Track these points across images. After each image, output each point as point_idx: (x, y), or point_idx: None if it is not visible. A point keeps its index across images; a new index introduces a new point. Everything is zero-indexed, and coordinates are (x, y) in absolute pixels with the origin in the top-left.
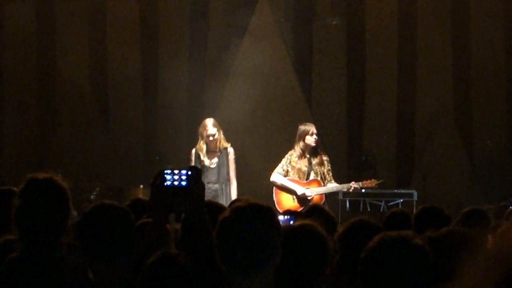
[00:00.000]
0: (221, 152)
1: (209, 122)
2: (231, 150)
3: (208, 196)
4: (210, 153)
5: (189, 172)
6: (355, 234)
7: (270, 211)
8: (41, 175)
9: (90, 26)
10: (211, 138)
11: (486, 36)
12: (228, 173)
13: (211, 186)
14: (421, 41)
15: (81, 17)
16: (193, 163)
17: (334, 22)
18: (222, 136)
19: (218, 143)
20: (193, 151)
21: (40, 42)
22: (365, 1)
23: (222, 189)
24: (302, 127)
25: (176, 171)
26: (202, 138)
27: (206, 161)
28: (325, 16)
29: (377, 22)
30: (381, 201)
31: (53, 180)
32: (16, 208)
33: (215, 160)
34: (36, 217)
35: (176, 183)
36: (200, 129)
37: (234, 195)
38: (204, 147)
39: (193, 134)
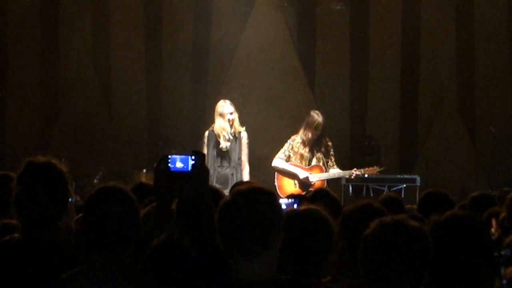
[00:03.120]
0: (234, 136)
1: (227, 102)
2: (244, 134)
3: (220, 178)
4: (229, 136)
5: (193, 157)
6: (359, 218)
7: (271, 194)
8: (39, 159)
9: (93, 12)
10: (231, 117)
11: (490, 21)
12: (239, 158)
13: (224, 169)
14: (425, 26)
15: (84, 3)
16: (205, 147)
17: (338, 7)
18: (237, 119)
19: (234, 124)
20: (206, 133)
21: (44, 29)
22: None
23: (233, 174)
24: (315, 117)
25: (180, 156)
26: (223, 117)
27: (222, 144)
28: (329, 1)
29: (381, 7)
30: (384, 186)
31: (51, 164)
32: (15, 192)
33: (228, 144)
34: (34, 201)
35: (180, 167)
36: (219, 109)
37: (247, 177)
38: (227, 125)
39: (196, 118)
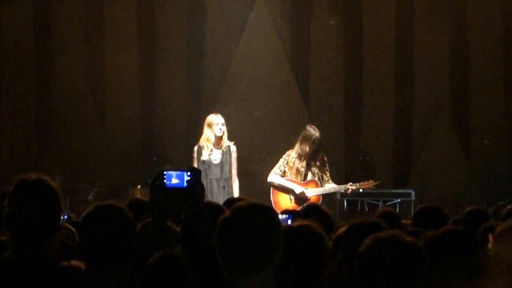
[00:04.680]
0: (225, 149)
1: (218, 114)
2: (234, 148)
3: (212, 192)
4: (214, 149)
5: (189, 173)
6: (358, 234)
7: (271, 211)
8: (31, 176)
9: (87, 26)
10: (221, 128)
11: (483, 35)
12: (230, 171)
13: (214, 183)
14: (418, 41)
15: (78, 17)
16: (195, 161)
17: (332, 22)
18: (226, 133)
19: (223, 137)
20: (195, 148)
21: (37, 42)
22: (362, 1)
23: (224, 187)
24: (311, 131)
25: (176, 172)
26: (210, 128)
27: (212, 156)
28: (323, 16)
29: (375, 22)
30: (379, 201)
31: (43, 181)
32: (7, 210)
33: (219, 156)
34: (26, 219)
35: (176, 184)
36: (208, 120)
37: (236, 193)
38: (213, 137)
39: (191, 134)
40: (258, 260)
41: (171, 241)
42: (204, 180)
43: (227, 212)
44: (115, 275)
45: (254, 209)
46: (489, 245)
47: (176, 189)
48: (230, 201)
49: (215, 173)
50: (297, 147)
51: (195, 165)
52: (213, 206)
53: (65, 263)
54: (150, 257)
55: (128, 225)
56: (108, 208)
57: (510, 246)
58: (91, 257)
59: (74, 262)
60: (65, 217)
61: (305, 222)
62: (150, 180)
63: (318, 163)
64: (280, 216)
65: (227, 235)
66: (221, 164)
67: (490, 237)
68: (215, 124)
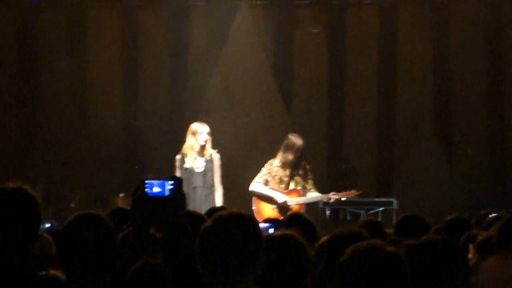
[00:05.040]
0: (208, 157)
1: (203, 123)
2: (217, 156)
3: (195, 200)
4: (197, 157)
5: (171, 182)
6: (340, 243)
7: (252, 220)
8: (10, 185)
9: (70, 34)
10: (205, 137)
11: (466, 44)
12: (213, 179)
13: (197, 191)
14: (401, 50)
15: (61, 27)
16: (178, 170)
17: (315, 30)
18: (210, 142)
19: (207, 146)
20: (177, 157)
21: (20, 52)
22: (345, 10)
23: (208, 195)
24: (294, 139)
25: (157, 181)
26: (194, 136)
27: (195, 164)
28: (306, 25)
29: (358, 31)
30: (361, 210)
31: (22, 190)
32: None
33: (202, 164)
34: (5, 228)
35: (157, 192)
36: (193, 128)
37: (219, 202)
38: (197, 145)
39: (174, 141)
40: (239, 269)
41: (153, 249)
42: (187, 188)
43: (208, 222)
44: (95, 285)
45: (235, 218)
46: (470, 255)
47: (157, 198)
48: (212, 211)
49: (198, 181)
50: (280, 156)
51: (177, 173)
52: (194, 216)
53: (44, 273)
54: (131, 266)
55: (108, 234)
56: (88, 217)
57: (492, 257)
58: (71, 266)
59: (53, 272)
60: (48, 225)
61: (287, 231)
62: (132, 189)
63: (301, 171)
64: (262, 225)
65: (208, 244)
66: (204, 172)
67: (471, 247)
68: (200, 133)
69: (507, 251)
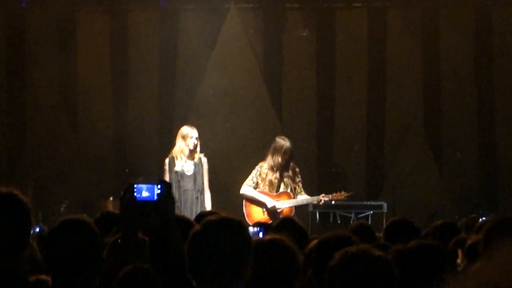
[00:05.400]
0: (197, 161)
1: (193, 127)
2: (205, 160)
3: (186, 203)
4: (187, 160)
5: (160, 186)
6: (329, 248)
7: (241, 225)
8: (1, 190)
9: (60, 37)
10: (194, 141)
11: (456, 48)
12: (203, 183)
13: (187, 194)
14: (391, 53)
15: (51, 29)
16: (167, 173)
17: (304, 34)
18: (199, 146)
19: (196, 150)
20: (167, 160)
21: (9, 54)
22: (335, 13)
23: (198, 198)
24: (281, 142)
25: (146, 185)
26: (184, 140)
27: (185, 167)
28: (295, 28)
29: (347, 34)
30: (351, 213)
31: (13, 195)
32: None
33: (192, 167)
34: None
35: (146, 197)
36: (183, 131)
37: (208, 205)
38: (187, 149)
39: (163, 145)
40: (228, 274)
41: (141, 254)
42: (177, 191)
43: (197, 226)
44: None
45: (224, 223)
46: (458, 260)
47: (146, 202)
48: (201, 215)
49: (189, 184)
50: (269, 159)
51: (167, 177)
52: (183, 220)
53: (34, 278)
54: (119, 271)
55: (93, 239)
56: (73, 223)
57: (479, 262)
58: (56, 271)
59: (42, 277)
60: (38, 229)
61: (276, 236)
62: (122, 192)
63: (290, 173)
64: (251, 229)
65: (197, 249)
66: (194, 175)
67: (460, 252)
68: (190, 137)
69: (494, 255)
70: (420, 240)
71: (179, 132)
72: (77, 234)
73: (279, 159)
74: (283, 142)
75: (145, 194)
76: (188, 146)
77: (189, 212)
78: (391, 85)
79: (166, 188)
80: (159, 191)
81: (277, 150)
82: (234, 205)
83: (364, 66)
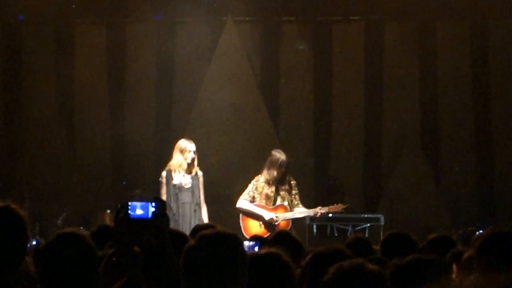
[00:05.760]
0: (194, 175)
1: (190, 140)
2: (201, 173)
3: (185, 216)
4: (185, 174)
5: (154, 204)
6: (323, 262)
7: (236, 239)
8: None
9: (57, 50)
10: (193, 155)
11: (453, 61)
12: (199, 196)
13: (186, 207)
14: (388, 66)
15: (48, 41)
16: (164, 186)
17: (301, 47)
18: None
19: (194, 164)
20: (164, 173)
21: (6, 66)
22: (331, 26)
23: (195, 211)
24: (277, 155)
25: (140, 203)
26: (183, 154)
27: (183, 180)
28: (292, 41)
29: (344, 47)
30: (348, 226)
31: (10, 209)
32: None
33: (189, 181)
34: None
35: (140, 214)
36: (181, 145)
37: (205, 218)
38: (185, 163)
39: (160, 157)
40: None
41: (136, 269)
42: (175, 204)
43: (192, 241)
44: None
45: (219, 238)
46: (453, 275)
47: (140, 220)
48: (197, 229)
49: (187, 197)
50: (264, 172)
51: (164, 189)
52: (178, 235)
53: None
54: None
55: (89, 253)
56: (69, 237)
57: (473, 276)
58: (51, 286)
59: None
60: (34, 242)
61: (272, 250)
62: (119, 205)
63: (286, 186)
64: (247, 243)
65: (192, 264)
66: (192, 188)
67: (454, 266)
68: (188, 151)
69: (487, 270)
70: (417, 254)
71: (177, 146)
72: (72, 248)
73: (274, 173)
74: (279, 155)
75: (139, 211)
76: (186, 160)
77: (188, 225)
78: (388, 97)
79: (161, 205)
80: (153, 209)
81: (272, 164)
82: (231, 218)
83: (361, 79)
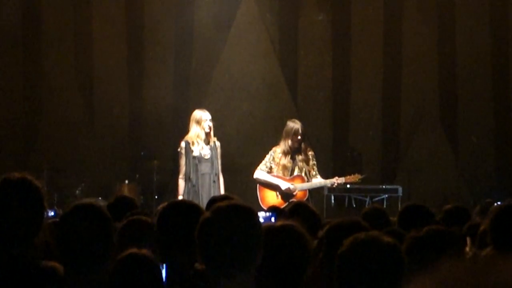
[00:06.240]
0: (212, 145)
1: (204, 110)
2: (218, 144)
3: (204, 186)
4: (203, 145)
5: None
6: (339, 234)
7: (251, 211)
8: (15, 175)
9: (76, 23)
10: (209, 124)
11: (471, 32)
12: (217, 167)
13: (205, 178)
14: (406, 37)
15: (67, 14)
16: (184, 157)
17: (320, 18)
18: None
19: (211, 133)
20: (183, 144)
21: (26, 39)
22: None
23: (215, 182)
24: (290, 124)
25: None
26: (199, 125)
27: (202, 151)
28: (311, 12)
29: (363, 18)
30: (366, 197)
31: (27, 180)
32: None
33: (208, 151)
34: (8, 218)
35: None
36: (196, 116)
37: (222, 189)
38: (203, 133)
39: (178, 128)
40: (238, 261)
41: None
42: (194, 175)
43: (207, 213)
44: (93, 275)
45: (233, 209)
46: (467, 249)
47: None
48: (213, 201)
49: (206, 168)
50: (281, 144)
51: (183, 161)
52: (193, 207)
53: (48, 263)
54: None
55: (105, 225)
56: (85, 208)
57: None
58: (67, 256)
59: (52, 263)
60: (53, 213)
61: (288, 222)
62: (137, 175)
63: (304, 157)
64: (263, 214)
65: (207, 236)
66: (211, 159)
67: (468, 240)
68: (204, 120)
69: (500, 245)
70: (433, 226)
71: (192, 117)
72: (88, 219)
73: (289, 142)
74: (293, 124)
75: None
76: (203, 129)
77: (207, 195)
78: (406, 69)
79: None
80: None
81: (287, 134)
82: (250, 189)
83: (380, 50)
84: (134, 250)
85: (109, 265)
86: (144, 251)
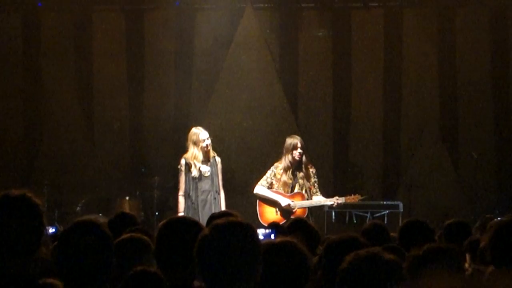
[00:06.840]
0: (212, 161)
1: (200, 128)
2: (219, 160)
3: (206, 203)
4: (201, 164)
5: None
6: (337, 251)
7: (249, 228)
8: (14, 192)
9: (76, 38)
10: (207, 143)
11: (472, 48)
12: (218, 183)
13: (206, 196)
14: (407, 52)
15: (67, 29)
16: (183, 174)
17: (320, 33)
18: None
19: (210, 151)
20: (182, 161)
21: (26, 54)
22: (351, 12)
23: (215, 199)
24: (289, 140)
25: None
26: (197, 145)
27: (202, 169)
28: (311, 27)
29: (363, 34)
30: (367, 213)
31: (26, 197)
32: None
33: (208, 168)
34: (8, 234)
35: None
36: (193, 137)
37: (223, 205)
38: (200, 154)
39: (179, 144)
40: (237, 278)
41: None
42: (194, 193)
43: (205, 230)
44: None
45: (232, 226)
46: (466, 264)
47: None
48: (213, 217)
49: (206, 185)
50: (282, 160)
51: (182, 178)
52: (192, 224)
53: (47, 279)
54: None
55: (105, 242)
56: (85, 225)
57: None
58: (67, 273)
59: (51, 280)
60: (54, 230)
61: (287, 238)
62: (138, 192)
63: (304, 173)
64: (263, 231)
65: (206, 253)
66: (211, 176)
67: (468, 256)
68: (201, 141)
69: (500, 263)
70: (432, 244)
71: (189, 137)
72: (88, 236)
73: (289, 157)
74: (291, 140)
75: None
76: (201, 150)
77: (208, 212)
78: (407, 84)
79: None
80: None
81: (287, 149)
82: (250, 204)
83: (380, 65)
84: (143, 267)
85: (110, 281)
86: (154, 268)
